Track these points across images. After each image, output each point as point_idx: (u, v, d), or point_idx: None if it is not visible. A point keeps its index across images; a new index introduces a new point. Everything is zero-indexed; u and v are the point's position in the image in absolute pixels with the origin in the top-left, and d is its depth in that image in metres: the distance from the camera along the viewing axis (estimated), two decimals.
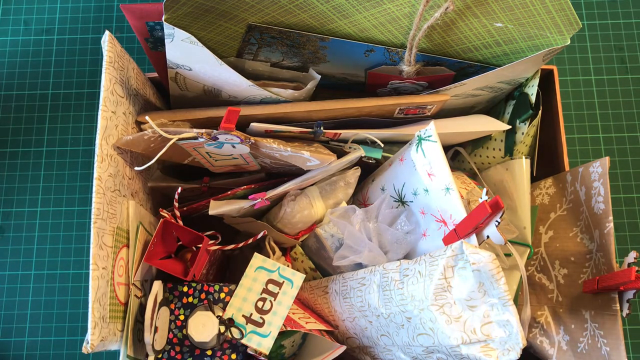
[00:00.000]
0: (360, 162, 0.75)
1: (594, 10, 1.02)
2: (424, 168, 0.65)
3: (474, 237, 0.59)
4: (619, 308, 0.61)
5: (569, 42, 0.65)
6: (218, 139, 0.62)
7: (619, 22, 1.01)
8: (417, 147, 0.66)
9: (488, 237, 0.58)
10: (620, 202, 0.94)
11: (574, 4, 1.02)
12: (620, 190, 0.95)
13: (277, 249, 0.74)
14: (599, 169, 0.66)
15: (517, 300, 0.73)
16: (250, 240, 0.69)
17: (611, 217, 0.63)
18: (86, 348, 0.56)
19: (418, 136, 0.66)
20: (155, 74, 0.75)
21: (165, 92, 0.75)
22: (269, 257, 0.73)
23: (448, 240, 0.62)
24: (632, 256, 0.60)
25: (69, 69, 1.00)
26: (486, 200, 0.56)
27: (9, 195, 0.96)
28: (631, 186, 0.95)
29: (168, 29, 0.59)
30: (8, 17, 1.02)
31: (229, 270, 0.86)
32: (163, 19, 0.58)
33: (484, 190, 0.57)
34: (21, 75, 1.00)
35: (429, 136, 0.64)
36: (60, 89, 0.99)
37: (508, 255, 0.71)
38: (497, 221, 0.57)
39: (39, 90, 0.99)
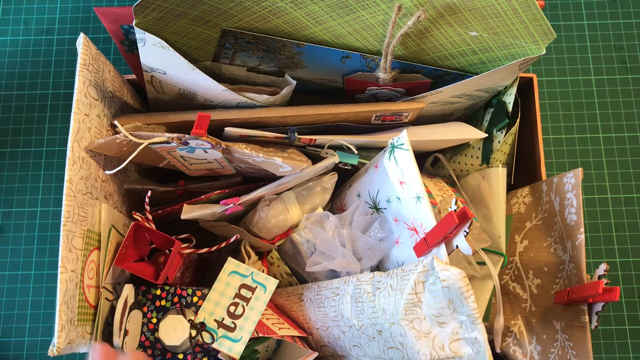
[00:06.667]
0: (338, 168, 0.75)
1: (594, 10, 1.01)
2: (396, 176, 0.65)
3: (443, 247, 0.59)
4: (587, 320, 0.61)
5: (544, 52, 0.64)
6: (189, 143, 0.62)
7: (619, 22, 1.01)
8: (390, 154, 0.66)
9: (457, 246, 0.58)
10: (620, 202, 0.94)
11: (574, 4, 1.02)
12: (620, 190, 0.94)
13: (252, 254, 0.74)
14: (572, 179, 0.65)
15: (491, 309, 0.72)
16: (224, 244, 0.69)
17: (582, 229, 0.63)
18: (52, 351, 0.56)
19: (391, 144, 0.66)
20: (134, 76, 0.75)
21: (144, 94, 0.75)
22: (243, 261, 0.73)
23: (418, 248, 0.62)
24: (602, 268, 0.60)
25: (69, 69, 1.00)
26: (454, 211, 0.56)
27: (9, 195, 0.96)
28: (631, 186, 0.94)
29: (139, 33, 0.59)
30: (8, 17, 1.02)
31: (208, 274, 0.86)
32: (134, 23, 0.58)
33: (453, 199, 0.57)
34: (21, 75, 1.00)
35: (401, 144, 0.64)
36: (60, 89, 0.99)
37: (482, 263, 0.71)
38: (465, 231, 0.56)
39: (39, 90, 0.99)
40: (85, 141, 0.63)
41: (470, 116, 0.82)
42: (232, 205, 0.68)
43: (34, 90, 1.00)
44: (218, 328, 0.63)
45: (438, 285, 0.55)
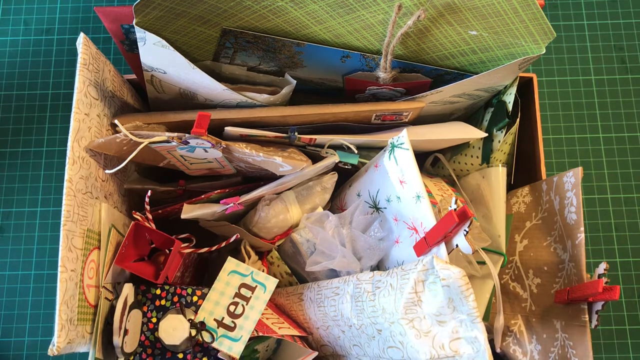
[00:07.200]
0: (338, 168, 0.75)
1: (594, 10, 1.01)
2: (396, 175, 0.65)
3: (443, 246, 0.59)
4: (587, 319, 0.61)
5: (544, 51, 0.64)
6: (189, 143, 0.62)
7: (619, 22, 1.01)
8: (390, 154, 0.66)
9: (457, 245, 0.58)
10: (620, 202, 0.94)
11: (574, 4, 1.02)
12: (620, 190, 0.95)
13: (252, 253, 0.74)
14: (572, 179, 0.65)
15: (491, 309, 0.72)
16: (224, 244, 0.69)
17: (582, 228, 0.63)
18: (52, 350, 0.56)
19: (391, 143, 0.66)
20: (134, 76, 0.75)
21: (144, 94, 0.75)
22: (244, 261, 0.73)
23: (419, 248, 0.62)
24: (602, 267, 0.60)
25: (69, 69, 1.00)
26: (454, 210, 0.56)
27: (9, 195, 0.96)
28: (631, 186, 0.95)
29: (139, 32, 0.59)
30: (8, 17, 1.02)
31: (208, 273, 0.86)
32: (134, 22, 0.58)
33: (453, 198, 0.57)
34: (21, 75, 1.00)
35: (401, 144, 0.64)
36: (60, 89, 0.99)
37: (482, 263, 0.71)
38: (465, 230, 0.56)
39: (39, 90, 0.99)
40: (85, 141, 0.63)
41: (470, 116, 0.82)
42: (232, 204, 0.68)
43: (34, 90, 1.00)
44: (218, 327, 0.63)
45: (438, 284, 0.55)
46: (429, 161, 0.84)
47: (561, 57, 1.00)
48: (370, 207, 0.72)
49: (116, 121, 0.62)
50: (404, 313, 0.56)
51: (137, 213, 0.66)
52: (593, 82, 0.99)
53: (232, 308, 0.64)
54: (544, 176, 0.75)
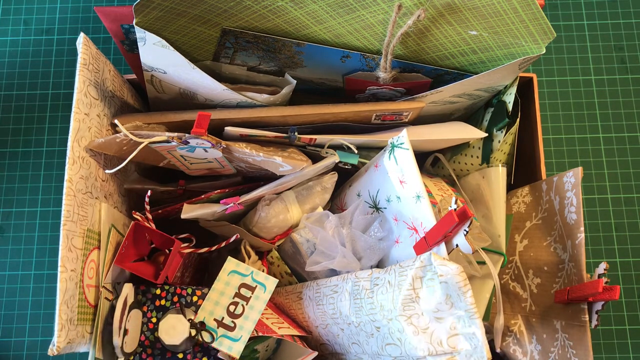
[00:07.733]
0: (338, 168, 0.75)
1: (594, 10, 1.02)
2: (396, 175, 0.65)
3: (443, 246, 0.59)
4: (587, 319, 0.61)
5: (544, 51, 0.64)
6: (189, 143, 0.62)
7: (619, 22, 1.01)
8: (390, 154, 0.66)
9: (457, 245, 0.58)
10: (620, 202, 0.94)
11: (574, 4, 1.02)
12: (620, 190, 0.95)
13: (252, 253, 0.74)
14: (572, 179, 0.66)
15: (491, 309, 0.72)
16: (224, 244, 0.69)
17: (582, 228, 0.63)
18: (52, 350, 0.56)
19: (391, 143, 0.66)
20: (134, 76, 0.75)
21: (144, 94, 0.75)
22: (244, 261, 0.73)
23: (419, 248, 0.62)
24: (602, 267, 0.60)
25: (69, 69, 1.00)
26: (454, 209, 0.56)
27: (9, 195, 0.96)
28: (631, 186, 0.95)
29: (139, 32, 0.59)
30: (8, 17, 1.03)
31: (208, 273, 0.86)
32: (134, 22, 0.58)
33: (453, 199, 0.57)
34: (21, 75, 1.00)
35: (401, 143, 0.64)
36: (60, 89, 1.00)
37: (482, 263, 0.71)
38: (465, 230, 0.56)
39: (39, 90, 0.99)
40: (86, 140, 0.63)
41: (471, 116, 0.83)
42: (232, 204, 0.68)
43: (34, 90, 1.00)
44: (218, 327, 0.63)
45: (436, 281, 0.55)
46: (429, 161, 0.84)
47: (561, 57, 1.00)
48: (370, 207, 0.72)
49: (116, 121, 0.62)
50: (402, 310, 0.56)
51: (137, 213, 0.66)
52: (593, 82, 0.99)
53: (232, 308, 0.64)
54: (544, 176, 0.75)
